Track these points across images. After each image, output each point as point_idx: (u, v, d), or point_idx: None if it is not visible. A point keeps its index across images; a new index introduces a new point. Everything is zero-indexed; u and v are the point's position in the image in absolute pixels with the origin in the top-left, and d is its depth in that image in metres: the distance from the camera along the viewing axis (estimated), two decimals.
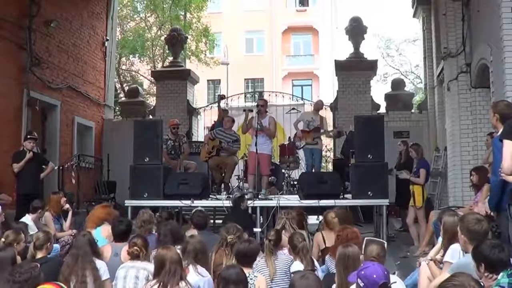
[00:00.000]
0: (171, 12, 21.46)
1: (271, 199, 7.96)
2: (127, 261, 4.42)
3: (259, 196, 7.92)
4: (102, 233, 5.49)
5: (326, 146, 13.05)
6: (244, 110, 8.45)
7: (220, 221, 8.03)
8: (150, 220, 5.52)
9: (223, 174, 9.18)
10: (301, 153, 9.84)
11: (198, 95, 22.84)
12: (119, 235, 4.87)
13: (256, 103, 8.62)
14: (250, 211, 7.45)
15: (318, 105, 9.38)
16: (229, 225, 4.79)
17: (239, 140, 9.16)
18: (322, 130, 9.14)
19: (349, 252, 3.79)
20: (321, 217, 6.46)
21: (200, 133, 15.07)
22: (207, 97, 29.75)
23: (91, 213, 6.02)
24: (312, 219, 9.85)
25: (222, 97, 10.48)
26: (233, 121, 9.37)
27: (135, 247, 4.26)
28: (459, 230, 3.74)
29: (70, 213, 7.09)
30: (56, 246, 5.95)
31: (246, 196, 7.18)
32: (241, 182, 10.28)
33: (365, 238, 3.87)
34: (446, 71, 9.79)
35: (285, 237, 4.97)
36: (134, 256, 4.27)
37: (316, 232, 7.33)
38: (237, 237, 4.45)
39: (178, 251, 4.16)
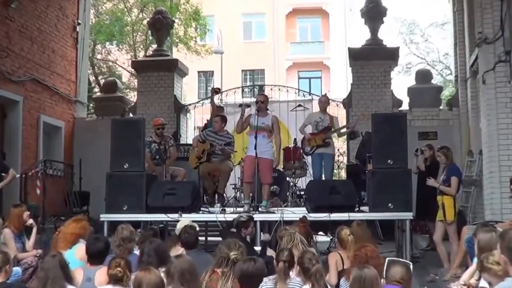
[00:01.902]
0: None
1: (274, 212, 7.94)
2: (102, 286, 4.39)
3: (259, 209, 7.91)
4: (76, 254, 5.45)
5: (338, 150, 13.03)
6: (240, 105, 8.43)
7: (214, 238, 8.01)
8: (130, 237, 5.50)
9: (216, 183, 9.16)
10: (308, 158, 9.81)
11: (187, 90, 22.88)
12: (95, 256, 4.85)
13: (255, 99, 8.60)
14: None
15: (323, 102, 9.28)
16: (229, 240, 4.74)
17: (232, 143, 9.14)
18: (333, 129, 9.10)
19: (365, 274, 3.80)
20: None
21: (189, 134, 15.04)
22: (198, 91, 29.75)
23: (62, 230, 5.99)
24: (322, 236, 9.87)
25: (216, 90, 10.48)
26: (225, 120, 9.33)
27: (118, 268, 4.23)
28: (498, 248, 3.73)
29: (34, 230, 7.04)
30: (17, 269, 5.92)
31: (251, 223, 6.81)
32: (238, 192, 10.26)
33: (387, 259, 3.85)
34: (481, 60, 9.78)
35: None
36: (116, 279, 4.24)
37: (327, 251, 7.33)
38: (241, 253, 4.43)
39: (162, 274, 4.13)
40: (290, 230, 5.65)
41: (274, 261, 4.75)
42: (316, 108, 10.61)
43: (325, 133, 8.96)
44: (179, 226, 6.27)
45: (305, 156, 9.66)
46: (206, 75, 30.59)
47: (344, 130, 9.78)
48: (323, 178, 9.30)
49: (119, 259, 4.38)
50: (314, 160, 9.15)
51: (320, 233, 9.58)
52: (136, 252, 5.53)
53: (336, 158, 12.41)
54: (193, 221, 7.25)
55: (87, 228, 5.89)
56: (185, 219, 6.78)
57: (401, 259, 3.97)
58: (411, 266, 3.86)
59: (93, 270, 4.72)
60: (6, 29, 11.38)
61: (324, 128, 8.99)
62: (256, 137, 7.98)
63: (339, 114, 11.23)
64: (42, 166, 11.23)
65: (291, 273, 4.65)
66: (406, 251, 7.53)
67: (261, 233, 7.66)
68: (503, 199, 8.76)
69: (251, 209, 7.93)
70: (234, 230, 6.77)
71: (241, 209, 8.18)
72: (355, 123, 9.80)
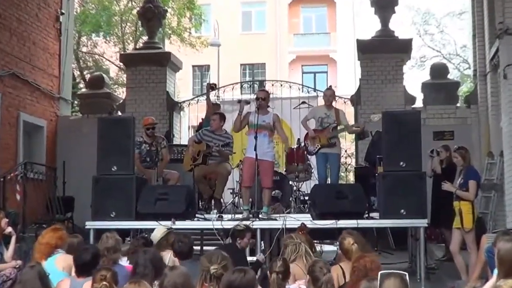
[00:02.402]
0: None
1: (275, 219, 7.94)
2: None
3: (260, 216, 7.91)
4: (57, 264, 5.47)
5: (346, 151, 13.03)
6: (239, 101, 8.42)
7: (210, 248, 8.00)
8: (116, 247, 5.50)
9: (213, 187, 9.16)
10: (313, 160, 9.80)
11: (181, 86, 22.86)
12: (83, 267, 4.86)
13: (255, 95, 8.60)
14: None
15: (329, 96, 9.23)
16: (212, 252, 4.73)
17: (231, 143, 9.14)
18: (340, 127, 9.12)
19: (375, 287, 3.78)
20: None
21: (183, 134, 15.05)
22: (193, 87, 29.79)
23: (39, 240, 6.00)
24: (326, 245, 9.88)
25: (212, 86, 10.46)
26: (223, 118, 9.32)
27: (104, 282, 4.24)
28: None
29: (13, 239, 7.05)
30: None
31: (248, 233, 6.76)
32: (236, 198, 10.25)
33: (380, 273, 3.82)
34: (502, 53, 9.78)
35: (297, 268, 4.94)
36: None
37: (334, 261, 7.34)
38: (222, 267, 4.42)
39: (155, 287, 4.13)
40: (295, 239, 5.63)
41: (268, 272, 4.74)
42: (320, 104, 10.58)
43: (330, 131, 8.93)
44: (157, 233, 6.28)
45: (308, 155, 9.63)
46: (201, 70, 30.61)
47: (352, 129, 9.76)
48: (329, 181, 9.30)
49: (104, 271, 4.37)
50: (318, 160, 9.13)
51: (331, 242, 9.60)
52: (123, 263, 5.55)
53: (343, 160, 12.41)
54: (188, 229, 7.30)
55: (65, 239, 5.90)
56: (161, 227, 6.78)
57: (394, 271, 3.91)
58: (407, 277, 3.82)
59: (80, 282, 4.74)
60: None
61: (329, 126, 8.96)
62: (256, 137, 7.97)
63: (347, 112, 11.21)
64: (22, 169, 11.21)
65: (295, 284, 4.65)
66: (420, 261, 7.53)
67: (260, 246, 7.64)
68: None
69: (251, 215, 7.93)
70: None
71: (239, 216, 8.18)
72: (364, 125, 9.72)
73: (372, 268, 4.48)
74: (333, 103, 9.39)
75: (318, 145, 8.97)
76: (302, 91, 13.97)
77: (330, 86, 10.03)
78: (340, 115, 9.13)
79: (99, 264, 5.09)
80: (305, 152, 9.59)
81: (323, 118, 9.06)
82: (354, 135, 12.16)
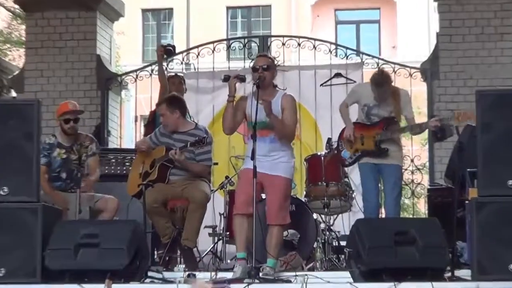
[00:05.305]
0: None
1: (289, 281, 7.94)
2: None
3: (261, 274, 7.92)
4: None
5: (412, 161, 13.05)
6: (226, 79, 8.40)
7: None
8: None
9: (179, 225, 9.18)
10: (355, 177, 9.83)
11: (124, 46, 22.90)
12: None
13: (252, 64, 8.60)
14: None
15: (380, 88, 9.24)
16: None
17: (207, 140, 9.06)
18: (401, 124, 9.14)
19: None
20: None
21: (127, 131, 15.09)
22: (143, 48, 29.81)
23: None
24: None
25: (168, 50, 10.33)
26: (179, 105, 9.32)
27: None
28: None
29: None
30: None
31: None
32: (219, 242, 10.25)
33: None
34: None
35: None
36: None
37: None
38: None
39: None
40: None
41: None
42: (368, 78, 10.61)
43: (382, 129, 8.94)
44: None
45: (344, 167, 9.65)
46: (158, 18, 30.67)
47: (420, 129, 9.76)
48: (383, 213, 9.31)
49: None
50: (363, 176, 9.19)
51: None
52: None
53: (408, 176, 12.44)
54: None
55: None
56: None
57: None
58: None
59: None
60: None
61: (381, 121, 8.98)
62: (255, 138, 7.92)
63: (415, 91, 11.23)
64: None
65: None
66: None
67: None
68: None
69: (247, 276, 7.92)
70: None
71: (226, 275, 8.17)
72: (441, 123, 9.67)
73: None
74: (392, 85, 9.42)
75: (358, 152, 9.00)
76: (336, 55, 14.00)
77: (380, 70, 9.91)
78: (402, 102, 9.14)
79: None
80: (341, 163, 9.61)
81: (371, 107, 9.10)
82: (426, 133, 12.19)
